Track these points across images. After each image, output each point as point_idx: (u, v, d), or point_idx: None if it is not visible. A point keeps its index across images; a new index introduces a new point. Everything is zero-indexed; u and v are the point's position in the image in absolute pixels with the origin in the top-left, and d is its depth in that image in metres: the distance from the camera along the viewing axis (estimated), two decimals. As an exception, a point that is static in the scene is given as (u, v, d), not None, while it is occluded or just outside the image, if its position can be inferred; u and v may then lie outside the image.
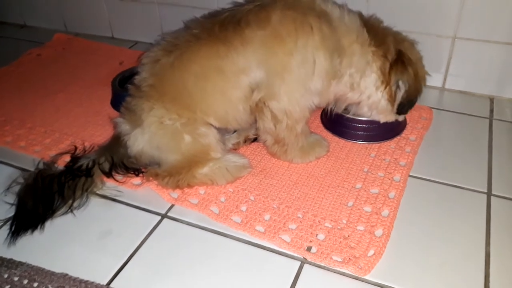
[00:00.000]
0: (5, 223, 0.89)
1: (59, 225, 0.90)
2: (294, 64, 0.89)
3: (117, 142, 0.99)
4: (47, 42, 1.69)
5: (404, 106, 0.99)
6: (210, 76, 0.92)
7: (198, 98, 0.93)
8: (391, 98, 0.98)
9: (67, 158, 1.01)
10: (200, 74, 0.92)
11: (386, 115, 1.03)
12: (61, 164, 1.01)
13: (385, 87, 0.97)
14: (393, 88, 0.96)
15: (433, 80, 1.29)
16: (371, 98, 0.99)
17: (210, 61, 0.91)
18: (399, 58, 0.95)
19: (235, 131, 1.09)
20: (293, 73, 0.90)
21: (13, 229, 0.87)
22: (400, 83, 0.96)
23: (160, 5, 1.55)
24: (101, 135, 1.15)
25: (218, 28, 0.91)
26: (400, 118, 1.07)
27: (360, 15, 0.98)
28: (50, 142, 1.14)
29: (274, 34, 0.89)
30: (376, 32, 0.96)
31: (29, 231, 0.88)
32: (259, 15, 0.90)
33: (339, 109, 1.07)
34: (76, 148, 1.04)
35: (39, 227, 0.89)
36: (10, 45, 1.73)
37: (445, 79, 1.29)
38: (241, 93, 0.93)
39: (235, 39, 0.89)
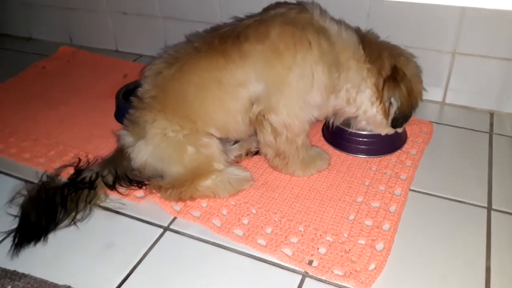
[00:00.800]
0: (8, 235, 0.90)
1: (62, 237, 0.90)
2: (293, 78, 0.91)
3: (120, 154, 1.01)
4: (52, 54, 1.72)
5: (398, 120, 1.01)
6: (209, 87, 0.94)
7: (197, 108, 0.95)
8: (385, 113, 1.00)
9: (71, 171, 1.02)
10: (199, 85, 0.94)
11: (383, 129, 1.05)
12: (64, 176, 1.02)
13: (380, 103, 0.99)
14: (386, 104, 0.98)
15: (434, 94, 1.31)
16: (367, 113, 1.01)
17: (209, 72, 0.93)
18: (392, 74, 0.96)
19: (236, 142, 1.10)
20: (291, 86, 0.92)
21: (16, 241, 0.88)
22: (392, 99, 0.98)
23: (164, 19, 1.57)
24: (104, 148, 1.16)
25: (218, 42, 0.93)
26: (399, 130, 1.08)
27: (357, 30, 1.00)
28: (54, 154, 1.15)
29: (273, 48, 0.91)
30: (372, 47, 0.98)
31: (32, 243, 0.88)
32: (258, 29, 0.92)
33: (338, 122, 1.09)
34: (79, 160, 1.05)
35: (42, 239, 0.89)
36: (17, 57, 1.76)
37: (445, 93, 1.30)
38: (240, 105, 0.95)
39: (234, 52, 0.91)
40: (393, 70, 0.96)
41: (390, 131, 1.06)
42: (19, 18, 1.88)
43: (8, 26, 1.93)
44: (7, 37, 1.93)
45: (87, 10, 1.70)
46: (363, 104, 1.00)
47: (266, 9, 1.00)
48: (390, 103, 0.98)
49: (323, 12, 0.96)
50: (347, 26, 0.99)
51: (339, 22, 0.98)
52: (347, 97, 0.99)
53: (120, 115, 1.22)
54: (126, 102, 1.23)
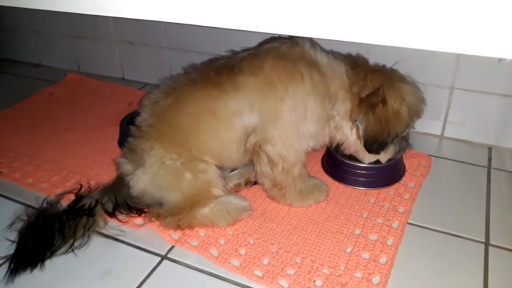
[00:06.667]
0: (5, 260, 0.90)
1: (59, 264, 0.91)
2: (286, 109, 0.94)
3: (120, 182, 1.02)
4: (60, 81, 1.76)
5: (372, 145, 1.00)
6: (204, 116, 0.97)
7: (192, 136, 0.97)
8: (358, 135, 1.01)
9: (72, 197, 1.03)
10: (194, 114, 0.97)
11: (362, 153, 1.07)
12: (66, 202, 1.03)
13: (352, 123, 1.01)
14: (355, 126, 1.00)
15: (432, 127, 1.32)
16: (349, 138, 1.04)
17: (203, 102, 0.96)
18: (365, 97, 0.97)
19: (233, 169, 1.12)
20: (285, 118, 0.94)
21: (12, 267, 0.88)
22: (357, 122, 0.99)
23: (170, 49, 1.62)
24: (106, 174, 1.17)
25: (213, 74, 0.97)
26: (381, 158, 1.07)
27: (347, 57, 1.04)
28: (57, 180, 1.16)
29: (266, 81, 0.94)
30: (360, 71, 1.00)
31: (29, 269, 0.88)
32: (252, 63, 0.96)
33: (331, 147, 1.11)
34: (81, 187, 1.07)
35: (38, 265, 0.89)
36: (25, 83, 1.80)
37: (444, 127, 1.32)
38: (234, 135, 0.97)
39: (228, 83, 0.95)
40: (371, 93, 0.97)
41: (371, 157, 1.07)
42: (30, 45, 1.94)
43: (19, 52, 1.99)
44: (17, 63, 1.99)
45: (95, 39, 1.75)
46: (345, 130, 1.03)
47: (261, 44, 1.04)
48: (357, 126, 1.00)
49: (314, 44, 1.00)
50: (336, 56, 1.02)
51: (328, 53, 1.01)
52: (335, 124, 1.02)
53: (124, 142, 1.24)
54: (129, 130, 1.25)
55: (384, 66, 1.05)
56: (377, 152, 1.02)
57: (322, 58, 0.99)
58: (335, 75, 0.99)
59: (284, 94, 0.93)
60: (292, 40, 0.99)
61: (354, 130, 1.02)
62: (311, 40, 1.00)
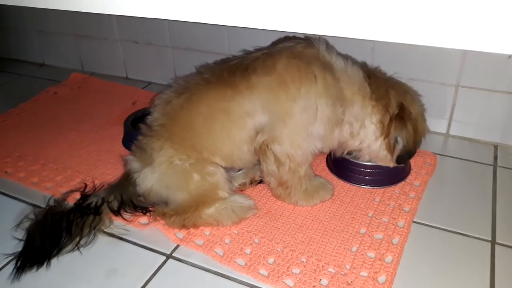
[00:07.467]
0: (13, 258, 0.90)
1: (65, 263, 0.91)
2: (297, 109, 0.93)
3: (126, 180, 1.02)
4: (64, 80, 1.76)
5: (404, 157, 1.03)
6: (217, 117, 0.96)
7: (204, 137, 0.97)
8: (389, 149, 1.02)
9: (77, 195, 1.03)
10: (207, 114, 0.96)
11: (385, 162, 1.07)
12: (71, 201, 1.03)
13: (384, 139, 1.01)
14: (392, 142, 1.00)
15: (438, 126, 1.32)
16: (371, 147, 1.03)
17: (217, 103, 0.96)
18: (399, 113, 0.98)
19: (240, 169, 1.12)
20: (295, 118, 0.94)
21: (18, 265, 0.88)
22: (399, 138, 0.99)
23: (174, 48, 1.62)
24: (111, 174, 1.17)
25: (226, 74, 0.96)
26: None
27: (364, 66, 1.02)
28: (62, 179, 1.16)
29: (279, 80, 0.93)
30: (379, 84, 1.00)
31: (35, 268, 0.89)
32: (265, 62, 0.95)
33: (338, 154, 1.09)
34: (86, 185, 1.07)
35: (45, 264, 0.90)
36: (30, 82, 1.81)
37: (449, 125, 1.31)
38: (246, 135, 0.97)
39: (242, 84, 0.94)
40: (400, 109, 0.98)
41: (393, 165, 1.07)
42: (33, 45, 1.94)
43: (22, 52, 1.99)
44: (21, 63, 1.99)
45: (99, 38, 1.75)
46: (367, 139, 1.02)
47: (275, 43, 1.03)
48: (396, 141, 1.00)
49: (329, 47, 0.99)
50: (354, 62, 1.01)
51: (345, 58, 1.00)
52: (350, 130, 1.01)
53: (128, 141, 1.24)
54: (134, 129, 1.25)
55: (398, 79, 1.06)
56: (405, 162, 1.05)
57: (338, 62, 0.98)
58: (352, 81, 0.98)
59: (296, 94, 0.92)
60: (307, 40, 0.99)
61: (382, 141, 1.01)
62: (327, 43, 0.99)
